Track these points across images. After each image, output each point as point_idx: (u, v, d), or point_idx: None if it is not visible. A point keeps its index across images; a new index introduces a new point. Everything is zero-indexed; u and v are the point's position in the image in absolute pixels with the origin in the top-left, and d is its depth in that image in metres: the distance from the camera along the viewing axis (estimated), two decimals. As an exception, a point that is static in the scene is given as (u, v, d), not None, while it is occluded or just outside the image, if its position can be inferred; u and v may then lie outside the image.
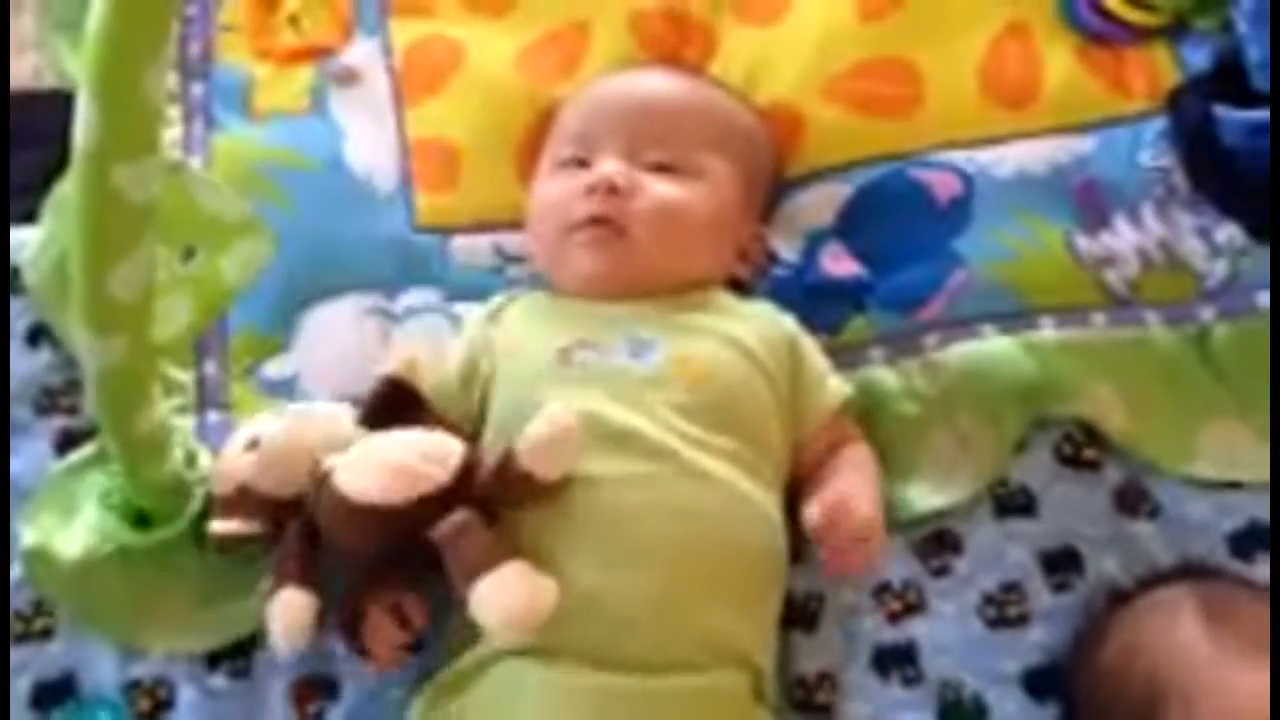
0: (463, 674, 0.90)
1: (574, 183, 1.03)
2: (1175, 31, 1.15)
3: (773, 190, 1.12)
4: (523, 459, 0.87)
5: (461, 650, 0.91)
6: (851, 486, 0.94)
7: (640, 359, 0.96)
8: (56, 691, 0.97)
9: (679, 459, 0.92)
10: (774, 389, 0.98)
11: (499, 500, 0.89)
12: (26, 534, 0.99)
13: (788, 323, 1.03)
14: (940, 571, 1.00)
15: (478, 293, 1.08)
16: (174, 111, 1.17)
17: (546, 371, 0.96)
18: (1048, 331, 1.05)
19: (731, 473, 0.93)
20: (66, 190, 1.09)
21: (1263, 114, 1.05)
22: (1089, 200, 1.10)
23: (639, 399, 0.93)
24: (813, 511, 0.91)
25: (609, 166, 1.03)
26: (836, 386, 1.01)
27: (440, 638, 0.94)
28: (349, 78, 1.19)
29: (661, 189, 1.03)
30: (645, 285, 1.01)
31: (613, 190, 1.01)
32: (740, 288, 1.08)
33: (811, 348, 1.02)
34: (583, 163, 1.05)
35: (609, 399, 0.93)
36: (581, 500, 0.90)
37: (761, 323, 1.02)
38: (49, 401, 1.07)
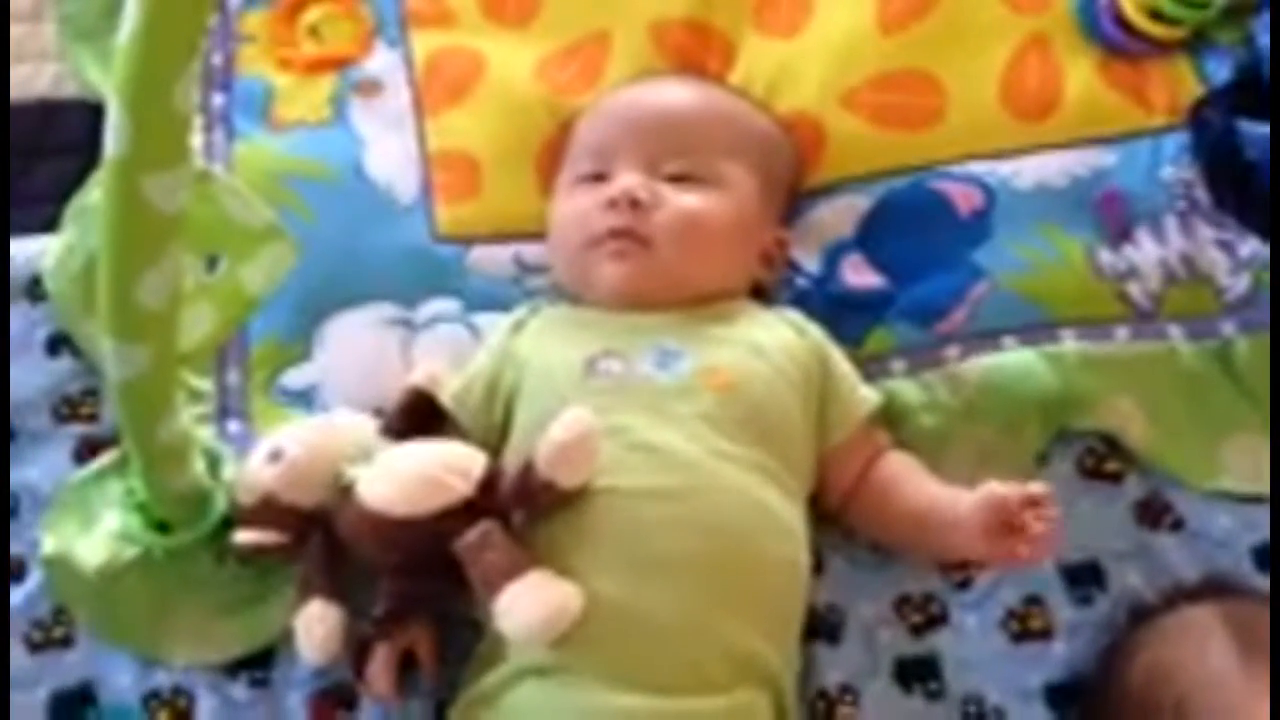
0: (485, 694, 0.90)
1: (595, 197, 1.03)
2: (1197, 45, 1.15)
3: (794, 194, 1.12)
4: (542, 467, 0.87)
5: (485, 669, 0.90)
6: (949, 490, 0.95)
7: (667, 369, 0.96)
8: (75, 701, 0.97)
9: (705, 471, 0.91)
10: (801, 399, 0.98)
11: (521, 510, 0.89)
12: (47, 542, 0.99)
13: (815, 332, 1.02)
14: (962, 584, 1.00)
15: (498, 303, 1.08)
16: (196, 122, 1.16)
17: (572, 383, 0.95)
18: (1069, 344, 1.05)
19: (757, 485, 0.92)
20: (89, 199, 1.10)
21: (1285, 127, 1.05)
22: (1110, 213, 1.09)
23: (666, 410, 0.93)
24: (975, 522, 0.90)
25: (629, 180, 1.02)
26: (866, 395, 1.01)
27: (463, 655, 0.94)
28: (371, 88, 1.19)
29: (683, 200, 1.02)
30: (671, 296, 1.01)
31: (634, 204, 1.01)
32: (763, 294, 1.08)
33: (840, 357, 1.02)
34: (601, 177, 1.05)
35: (635, 410, 0.93)
36: (606, 513, 0.90)
37: (788, 332, 1.01)
38: (69, 410, 1.07)
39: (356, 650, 0.92)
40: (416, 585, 0.91)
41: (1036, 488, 0.90)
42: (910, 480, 0.98)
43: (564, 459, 0.87)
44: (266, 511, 0.92)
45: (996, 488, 0.91)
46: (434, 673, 0.93)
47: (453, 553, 0.87)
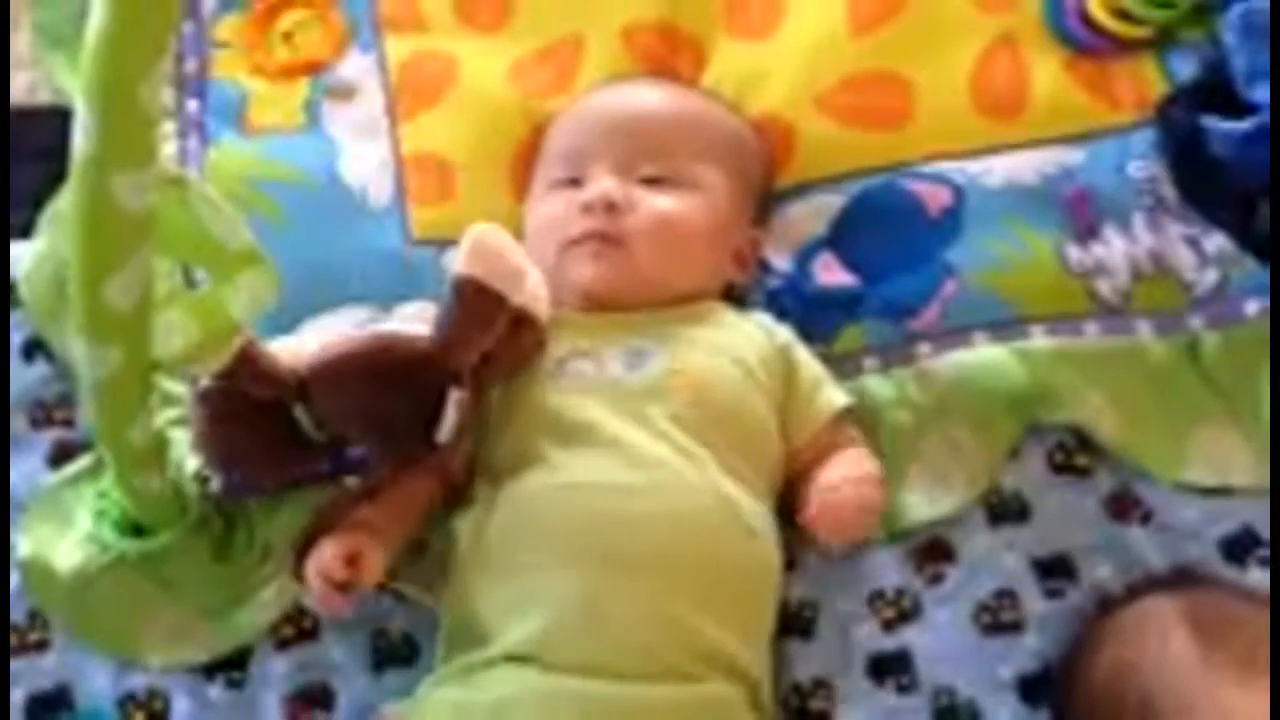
0: (459, 671, 0.90)
1: (569, 201, 1.04)
2: (1162, 43, 1.16)
3: (766, 195, 1.13)
4: (456, 269, 0.91)
5: (463, 648, 0.91)
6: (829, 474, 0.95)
7: (636, 370, 0.97)
8: (51, 704, 0.97)
9: (671, 469, 0.92)
10: (770, 400, 0.99)
11: (456, 323, 0.91)
12: (23, 545, 1.00)
13: (783, 332, 1.03)
14: (934, 579, 1.00)
15: (472, 305, 1.09)
16: (169, 127, 1.17)
17: (542, 379, 0.96)
18: (1040, 340, 1.05)
19: (725, 484, 0.93)
20: (63, 204, 1.09)
21: (1250, 124, 1.06)
22: (1079, 210, 1.10)
23: (635, 410, 0.94)
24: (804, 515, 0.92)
25: (604, 184, 1.03)
26: (829, 398, 1.01)
27: (432, 653, 0.95)
28: (346, 92, 1.20)
29: (657, 202, 1.03)
30: (644, 297, 1.02)
31: (610, 207, 1.02)
32: (736, 295, 1.09)
33: (806, 357, 1.02)
34: (575, 181, 1.06)
35: (605, 409, 0.94)
36: (571, 507, 0.91)
37: (758, 334, 1.02)
38: (44, 414, 1.07)
39: (302, 545, 0.92)
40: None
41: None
42: (828, 462, 0.98)
43: (469, 253, 0.91)
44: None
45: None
46: (370, 580, 0.92)
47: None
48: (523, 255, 0.95)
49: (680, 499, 0.91)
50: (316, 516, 0.93)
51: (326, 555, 0.90)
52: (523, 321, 0.94)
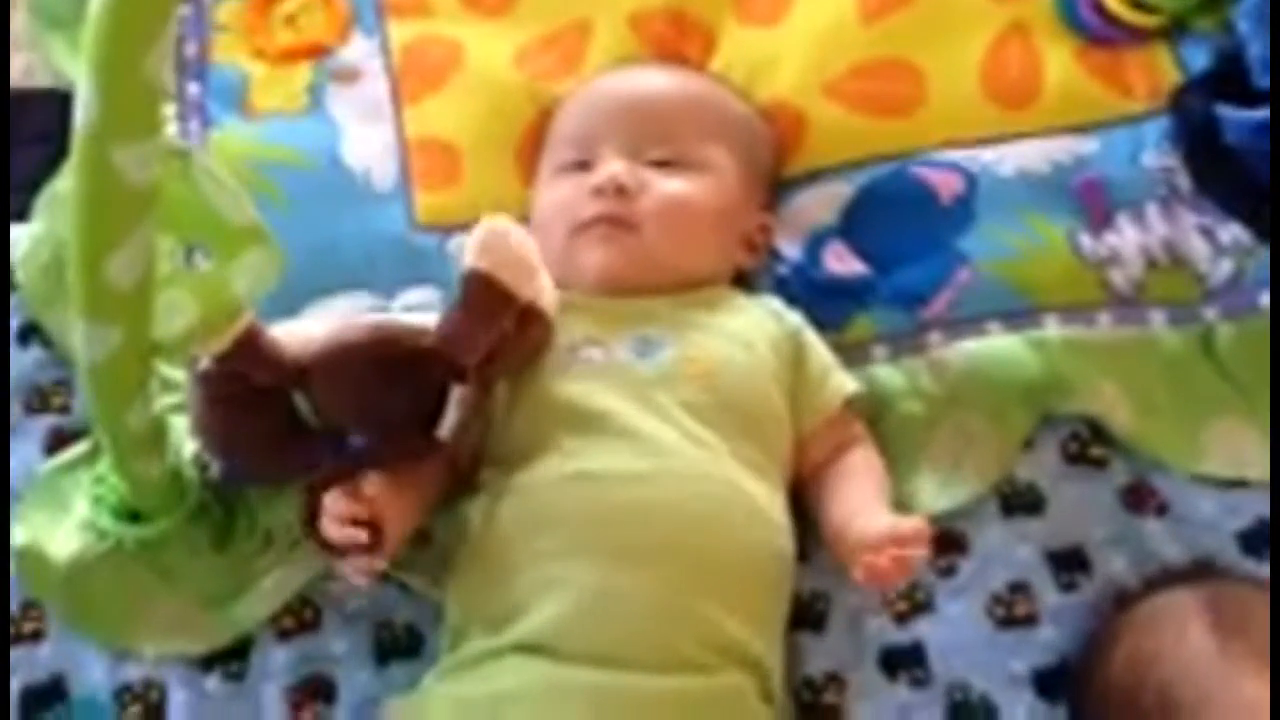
0: (466, 660, 0.89)
1: (579, 185, 1.03)
2: (1174, 32, 1.15)
3: (775, 180, 1.11)
4: (466, 259, 0.89)
5: (469, 636, 0.90)
6: (855, 512, 0.92)
7: (646, 358, 0.95)
8: (46, 695, 0.95)
9: (683, 457, 0.91)
10: (781, 388, 0.98)
11: (465, 316, 0.89)
12: (18, 533, 0.98)
13: (792, 318, 1.02)
14: (947, 571, 0.99)
15: (477, 292, 1.07)
16: (170, 110, 1.15)
17: (552, 367, 0.95)
18: (1053, 330, 1.04)
19: (738, 472, 0.92)
20: (60, 188, 1.08)
21: (1265, 113, 1.04)
22: (1092, 199, 1.09)
23: (647, 397, 0.93)
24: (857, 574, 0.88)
25: (614, 167, 1.02)
26: (838, 384, 1.00)
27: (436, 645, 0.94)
28: (350, 75, 1.18)
29: (668, 185, 1.02)
30: (656, 280, 1.01)
31: (620, 190, 1.01)
32: (746, 280, 1.07)
33: (816, 343, 1.01)
34: (584, 165, 1.05)
35: (616, 396, 0.93)
36: (582, 497, 0.89)
37: (768, 320, 1.01)
38: (39, 401, 1.05)
39: (309, 515, 0.89)
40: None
41: (908, 526, 0.87)
42: (848, 485, 0.96)
43: (479, 246, 0.89)
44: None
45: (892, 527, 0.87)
46: (381, 509, 0.88)
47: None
48: (534, 248, 0.93)
49: (692, 487, 0.90)
50: (315, 487, 0.90)
51: (332, 497, 0.87)
52: (530, 316, 0.92)
